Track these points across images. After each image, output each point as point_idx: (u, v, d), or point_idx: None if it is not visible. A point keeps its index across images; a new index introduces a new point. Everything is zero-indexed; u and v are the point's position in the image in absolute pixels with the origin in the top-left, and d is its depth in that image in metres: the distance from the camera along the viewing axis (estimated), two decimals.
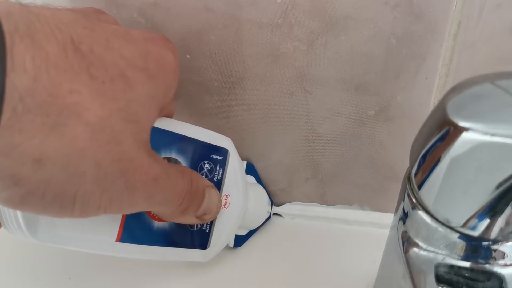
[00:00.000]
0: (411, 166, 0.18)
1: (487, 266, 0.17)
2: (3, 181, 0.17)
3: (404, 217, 0.19)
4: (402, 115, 0.29)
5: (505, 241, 0.17)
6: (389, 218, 0.22)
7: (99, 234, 0.24)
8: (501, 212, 0.15)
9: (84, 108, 0.17)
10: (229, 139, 0.30)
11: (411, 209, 0.18)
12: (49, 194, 0.17)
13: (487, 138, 0.14)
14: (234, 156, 0.29)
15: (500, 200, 0.15)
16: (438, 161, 0.16)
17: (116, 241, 0.25)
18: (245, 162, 0.33)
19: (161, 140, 0.26)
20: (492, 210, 0.15)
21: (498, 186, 0.15)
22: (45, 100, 0.16)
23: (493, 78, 0.16)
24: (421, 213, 0.18)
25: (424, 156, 0.17)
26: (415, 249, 0.18)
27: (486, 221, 0.16)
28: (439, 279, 0.18)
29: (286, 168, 0.34)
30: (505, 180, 0.14)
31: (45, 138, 0.16)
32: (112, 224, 0.25)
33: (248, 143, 0.33)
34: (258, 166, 0.34)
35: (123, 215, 0.25)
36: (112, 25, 0.21)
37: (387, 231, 0.22)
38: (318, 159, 0.33)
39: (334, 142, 0.31)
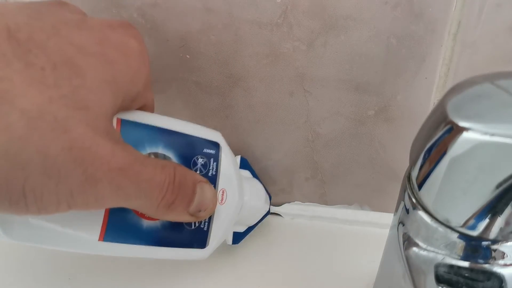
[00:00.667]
0: (411, 166, 0.18)
1: (486, 266, 0.17)
2: None
3: (404, 217, 0.19)
4: (402, 115, 0.29)
5: (504, 241, 0.17)
6: (389, 218, 0.22)
7: (79, 233, 0.23)
8: (501, 212, 0.15)
9: (16, 95, 0.17)
10: (219, 133, 0.28)
11: (411, 209, 0.18)
12: None
13: (487, 138, 0.14)
14: (226, 150, 0.28)
15: (500, 200, 0.15)
16: (438, 161, 0.16)
17: (99, 240, 0.23)
18: (239, 157, 0.32)
19: (145, 135, 0.25)
20: (492, 210, 0.15)
21: (498, 186, 0.15)
22: None
23: (493, 78, 0.16)
24: (421, 213, 0.18)
25: (424, 156, 0.17)
26: (415, 249, 0.18)
27: (486, 221, 0.16)
28: (439, 279, 0.18)
29: (286, 168, 0.34)
30: (505, 180, 0.14)
31: None
32: (93, 222, 0.23)
33: (248, 143, 0.33)
34: (258, 166, 0.34)
35: (105, 212, 0.24)
36: (68, 14, 0.21)
37: (387, 231, 0.22)
38: (318, 159, 0.33)
39: (334, 142, 0.31)
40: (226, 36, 0.28)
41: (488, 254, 0.17)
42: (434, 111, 0.17)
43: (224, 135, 0.30)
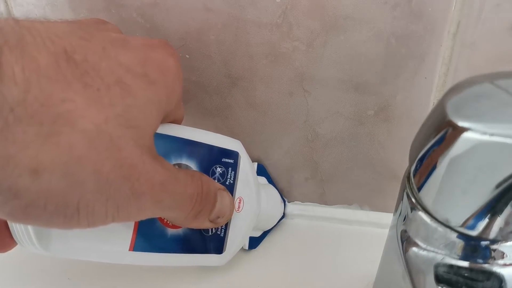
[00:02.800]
0: (411, 166, 0.18)
1: (486, 266, 0.17)
2: (2, 194, 0.16)
3: (404, 217, 0.19)
4: (401, 114, 0.29)
5: (504, 241, 0.17)
6: (388, 218, 0.22)
7: (112, 244, 0.24)
8: (500, 211, 0.15)
9: (78, 115, 0.17)
10: (239, 142, 0.29)
11: (410, 209, 0.18)
12: (50, 205, 0.17)
13: (486, 138, 0.14)
14: (245, 159, 0.29)
15: (499, 199, 0.15)
16: (437, 161, 0.16)
17: (130, 250, 0.25)
18: (255, 164, 0.33)
19: (170, 146, 0.26)
20: (492, 209, 0.15)
21: (497, 186, 0.15)
22: (37, 110, 0.16)
23: (492, 77, 0.16)
24: (421, 213, 0.18)
25: (423, 156, 0.17)
26: (415, 249, 0.18)
27: (485, 221, 0.16)
28: (438, 278, 0.18)
29: (286, 168, 0.34)
30: (505, 180, 0.14)
31: (40, 147, 0.16)
32: (124, 234, 0.25)
33: (247, 143, 0.33)
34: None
35: (135, 224, 0.25)
36: (112, 33, 0.22)
37: (386, 231, 0.22)
38: (318, 159, 0.33)
39: (333, 142, 0.31)
40: (226, 36, 0.28)
41: (487, 254, 0.17)
42: (433, 111, 0.17)
43: (223, 135, 0.30)
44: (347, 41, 0.27)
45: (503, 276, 0.17)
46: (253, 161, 0.34)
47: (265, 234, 0.33)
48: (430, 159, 0.16)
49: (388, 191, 0.33)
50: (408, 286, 0.19)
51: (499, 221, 0.16)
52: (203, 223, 0.26)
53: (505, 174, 0.14)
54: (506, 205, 0.15)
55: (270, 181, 0.34)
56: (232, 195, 0.28)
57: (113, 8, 0.28)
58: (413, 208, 0.18)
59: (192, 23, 0.28)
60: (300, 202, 0.36)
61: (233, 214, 0.28)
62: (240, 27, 0.27)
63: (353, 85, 0.28)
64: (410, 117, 0.29)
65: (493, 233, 0.16)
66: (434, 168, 0.16)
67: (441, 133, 0.15)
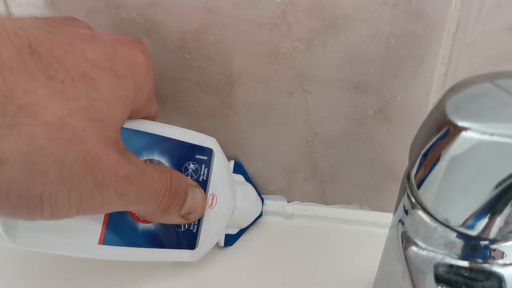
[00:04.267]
0: (410, 166, 0.18)
1: (486, 265, 0.17)
2: None
3: (403, 216, 0.19)
4: (401, 114, 0.29)
5: (504, 241, 0.17)
6: (388, 218, 0.22)
7: (80, 238, 0.24)
8: (500, 211, 0.15)
9: (41, 107, 0.18)
10: (214, 139, 0.30)
11: (410, 209, 0.18)
12: (13, 195, 0.18)
13: (486, 137, 0.14)
14: (219, 156, 0.29)
15: (499, 199, 0.15)
16: (437, 161, 0.16)
17: (99, 244, 0.25)
18: (232, 161, 0.33)
19: (142, 142, 0.26)
20: (491, 209, 0.15)
21: (497, 186, 0.15)
22: (0, 101, 0.17)
23: (492, 77, 0.16)
24: (420, 213, 0.18)
25: (423, 156, 0.17)
26: (414, 249, 0.18)
27: (485, 221, 0.16)
28: (438, 278, 0.18)
29: (285, 168, 0.34)
30: (504, 180, 0.14)
31: (2, 138, 0.17)
32: (93, 227, 0.24)
33: (247, 142, 0.33)
34: (257, 166, 0.34)
35: (105, 218, 0.25)
36: (80, 29, 0.22)
37: (386, 231, 0.22)
38: (317, 158, 0.33)
39: (333, 141, 0.31)
40: (225, 35, 0.28)
41: (487, 254, 0.17)
42: (433, 111, 0.17)
43: (223, 135, 0.30)
44: (347, 41, 0.27)
45: (502, 276, 0.17)
46: (252, 161, 0.34)
47: (241, 232, 0.33)
48: (429, 158, 0.16)
49: (388, 191, 0.33)
50: (408, 285, 0.19)
51: (498, 221, 0.16)
52: (174, 219, 0.26)
53: (505, 173, 0.14)
54: (506, 205, 0.15)
55: (248, 179, 0.34)
56: (205, 192, 0.28)
57: (113, 8, 0.28)
58: (413, 207, 0.18)
59: (191, 23, 0.28)
60: (299, 202, 0.36)
61: (206, 210, 0.28)
62: (240, 27, 0.27)
63: (353, 84, 0.28)
64: (410, 117, 0.29)
65: (492, 233, 0.16)
66: (433, 167, 0.16)
67: (440, 132, 0.15)
